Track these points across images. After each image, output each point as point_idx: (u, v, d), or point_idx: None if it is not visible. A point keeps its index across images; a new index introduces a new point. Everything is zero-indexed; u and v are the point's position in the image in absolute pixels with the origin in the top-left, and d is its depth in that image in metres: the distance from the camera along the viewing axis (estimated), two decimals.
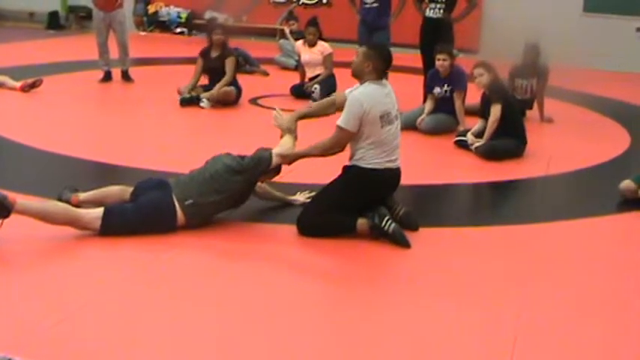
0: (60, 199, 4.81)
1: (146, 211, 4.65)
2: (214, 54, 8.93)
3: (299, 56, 9.75)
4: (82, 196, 4.93)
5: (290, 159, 4.95)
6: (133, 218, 4.62)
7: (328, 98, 5.22)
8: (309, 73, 9.50)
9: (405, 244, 4.65)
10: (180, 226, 4.70)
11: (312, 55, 9.42)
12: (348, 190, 4.86)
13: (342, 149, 4.92)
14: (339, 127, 4.80)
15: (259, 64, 11.51)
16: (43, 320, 3.56)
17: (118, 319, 3.64)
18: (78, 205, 4.78)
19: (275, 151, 4.91)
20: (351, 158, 4.91)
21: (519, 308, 3.93)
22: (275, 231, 4.92)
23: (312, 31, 9.50)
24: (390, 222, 4.69)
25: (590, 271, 4.54)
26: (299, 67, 9.91)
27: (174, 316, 3.69)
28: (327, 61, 9.38)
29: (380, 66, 4.89)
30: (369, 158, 4.82)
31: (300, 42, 9.78)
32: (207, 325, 3.61)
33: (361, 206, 4.83)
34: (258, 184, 5.05)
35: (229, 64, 8.87)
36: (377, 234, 4.71)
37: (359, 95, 4.79)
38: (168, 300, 3.88)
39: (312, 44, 9.46)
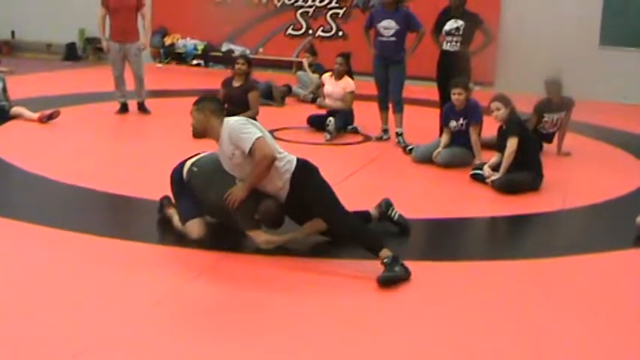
0: (162, 210, 5.52)
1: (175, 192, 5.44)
2: (236, 84, 9.02)
3: (322, 86, 9.77)
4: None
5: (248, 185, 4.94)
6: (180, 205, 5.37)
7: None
8: (330, 105, 9.52)
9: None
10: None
11: (335, 88, 9.43)
12: (319, 184, 4.97)
13: (271, 161, 4.86)
14: (253, 144, 4.84)
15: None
16: (60, 352, 3.55)
17: (137, 354, 3.63)
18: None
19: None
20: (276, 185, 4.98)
21: (534, 343, 3.89)
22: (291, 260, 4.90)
23: (339, 61, 9.46)
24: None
25: (608, 306, 4.48)
26: (316, 98, 9.97)
27: (194, 350, 3.68)
28: (347, 97, 9.41)
29: (214, 107, 5.12)
30: (284, 162, 4.97)
31: (328, 74, 9.77)
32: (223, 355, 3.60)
33: None
34: None
35: (253, 98, 8.92)
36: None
37: (234, 120, 5.06)
38: (189, 335, 3.87)
39: (339, 76, 9.46)
